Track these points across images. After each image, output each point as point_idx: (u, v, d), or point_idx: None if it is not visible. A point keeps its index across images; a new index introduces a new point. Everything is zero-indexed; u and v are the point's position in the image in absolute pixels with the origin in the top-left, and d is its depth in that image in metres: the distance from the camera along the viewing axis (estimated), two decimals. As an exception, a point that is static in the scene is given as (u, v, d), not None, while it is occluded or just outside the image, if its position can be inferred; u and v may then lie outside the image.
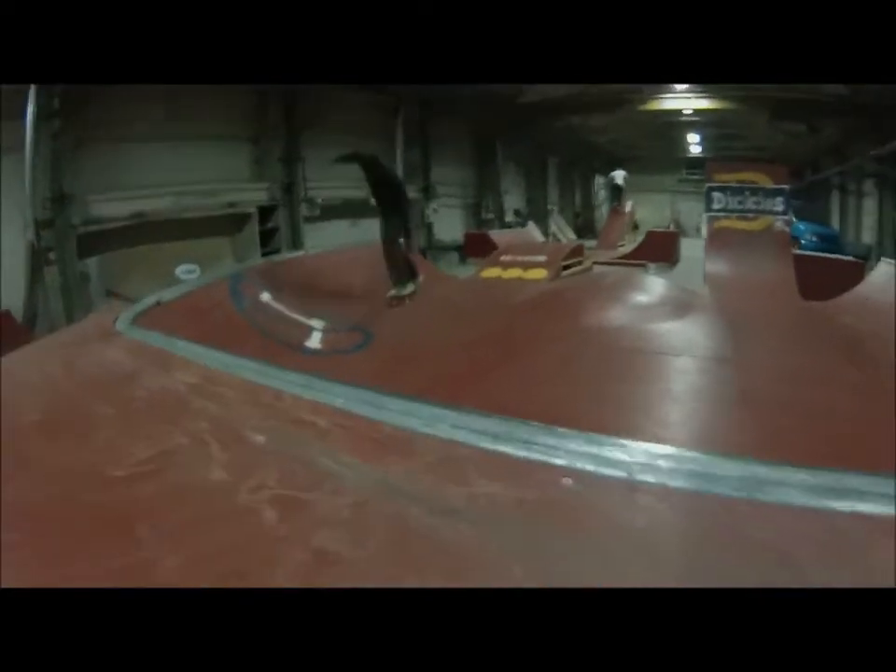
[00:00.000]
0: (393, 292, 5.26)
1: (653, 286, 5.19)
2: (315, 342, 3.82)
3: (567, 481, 0.94)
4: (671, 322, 4.34)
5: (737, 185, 6.89)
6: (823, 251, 11.43)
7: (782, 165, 7.46)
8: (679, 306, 4.58)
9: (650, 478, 0.97)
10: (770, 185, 6.91)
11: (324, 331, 3.95)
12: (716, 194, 6.82)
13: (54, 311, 6.46)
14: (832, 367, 3.39)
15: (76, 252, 6.73)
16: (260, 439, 1.12)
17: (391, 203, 5.52)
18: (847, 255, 9.45)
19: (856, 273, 5.81)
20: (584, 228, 21.53)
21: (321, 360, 3.56)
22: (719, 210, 6.78)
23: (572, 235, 19.36)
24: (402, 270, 5.41)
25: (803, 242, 13.88)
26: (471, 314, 4.74)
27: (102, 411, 1.43)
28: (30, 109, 6.18)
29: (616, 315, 4.38)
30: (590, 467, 0.99)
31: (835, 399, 2.78)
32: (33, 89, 6.16)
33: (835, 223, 18.80)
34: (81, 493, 1.07)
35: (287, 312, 3.95)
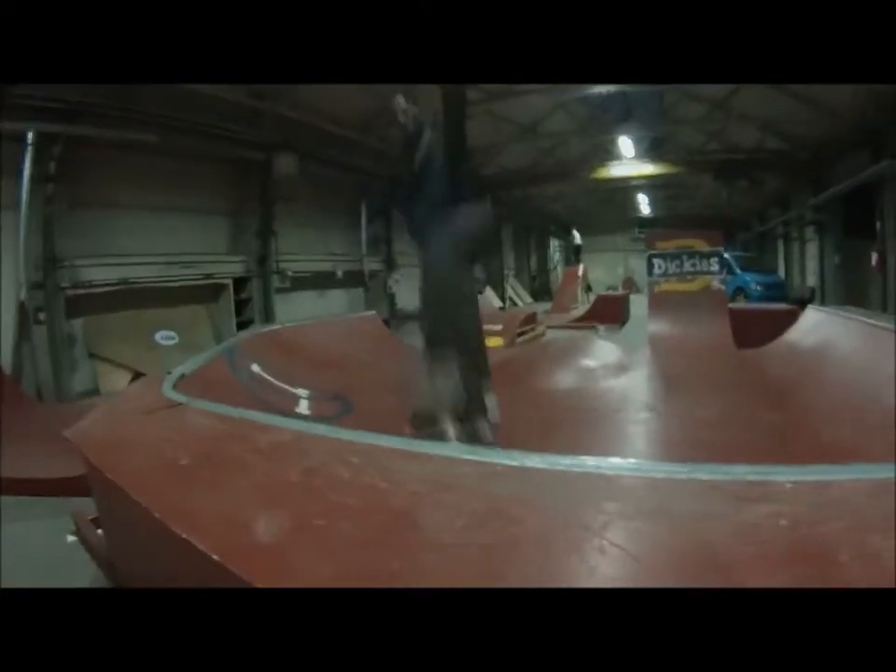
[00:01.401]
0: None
1: (599, 349, 5.75)
2: (303, 409, 4.10)
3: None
4: (613, 381, 4.90)
5: (676, 250, 7.43)
6: (769, 298, 12.22)
7: (717, 231, 8.11)
8: (620, 367, 5.15)
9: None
10: (706, 248, 7.47)
11: (309, 400, 4.23)
12: (656, 261, 7.42)
13: (41, 369, 6.71)
14: (753, 412, 3.90)
15: (64, 313, 7.03)
16: (356, 460, 1.55)
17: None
18: (792, 299, 10.07)
19: (790, 318, 6.04)
20: (540, 291, 22.06)
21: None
22: (660, 275, 7.40)
23: (528, 298, 20.08)
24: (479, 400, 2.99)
25: (749, 291, 14.72)
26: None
27: (239, 454, 1.71)
28: (26, 171, 6.51)
29: (564, 378, 4.93)
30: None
31: (752, 440, 3.31)
32: (30, 151, 6.50)
33: (783, 270, 19.88)
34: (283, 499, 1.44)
35: (275, 382, 4.18)
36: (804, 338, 5.44)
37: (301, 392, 4.28)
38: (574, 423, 3.82)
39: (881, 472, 1.20)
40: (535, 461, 1.42)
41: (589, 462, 1.37)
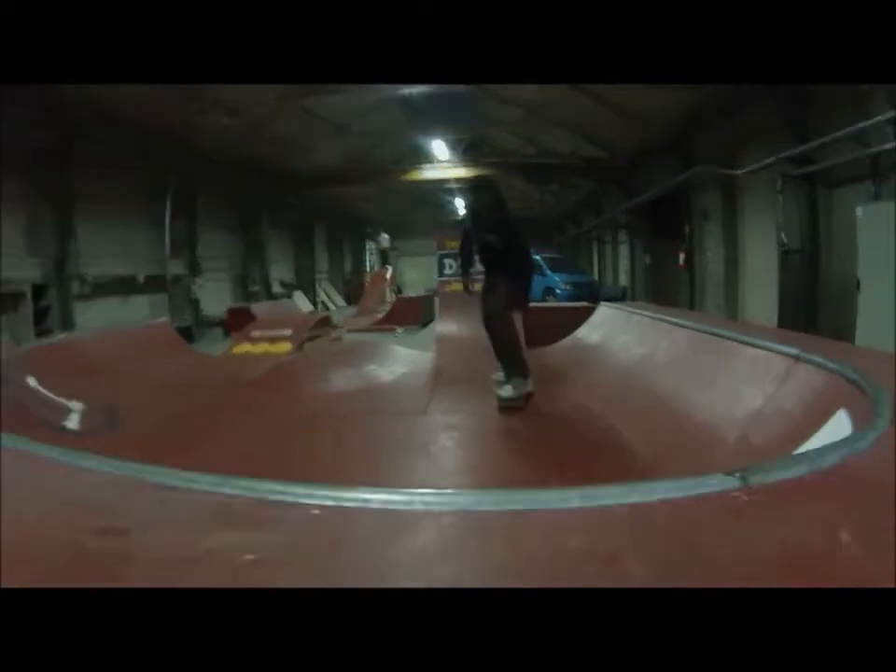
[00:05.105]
0: (508, 391, 4.17)
1: (382, 352, 5.72)
2: (72, 423, 3.90)
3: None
4: (385, 385, 4.87)
5: (467, 250, 7.50)
6: (580, 298, 12.94)
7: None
8: (394, 371, 5.13)
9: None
10: (497, 247, 7.72)
11: (80, 413, 4.01)
12: (446, 261, 7.52)
13: None
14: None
15: None
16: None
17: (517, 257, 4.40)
18: (604, 298, 10.66)
19: (587, 315, 6.23)
20: (354, 294, 21.52)
21: (82, 439, 3.60)
22: (450, 275, 7.46)
23: (341, 302, 20.21)
24: (517, 357, 4.30)
25: (557, 292, 15.54)
26: (205, 388, 4.94)
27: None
28: None
29: (338, 383, 4.83)
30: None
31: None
32: None
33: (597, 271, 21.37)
34: None
35: (48, 395, 3.99)
36: (590, 333, 5.82)
37: (74, 405, 4.05)
38: (338, 428, 3.80)
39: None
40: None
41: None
